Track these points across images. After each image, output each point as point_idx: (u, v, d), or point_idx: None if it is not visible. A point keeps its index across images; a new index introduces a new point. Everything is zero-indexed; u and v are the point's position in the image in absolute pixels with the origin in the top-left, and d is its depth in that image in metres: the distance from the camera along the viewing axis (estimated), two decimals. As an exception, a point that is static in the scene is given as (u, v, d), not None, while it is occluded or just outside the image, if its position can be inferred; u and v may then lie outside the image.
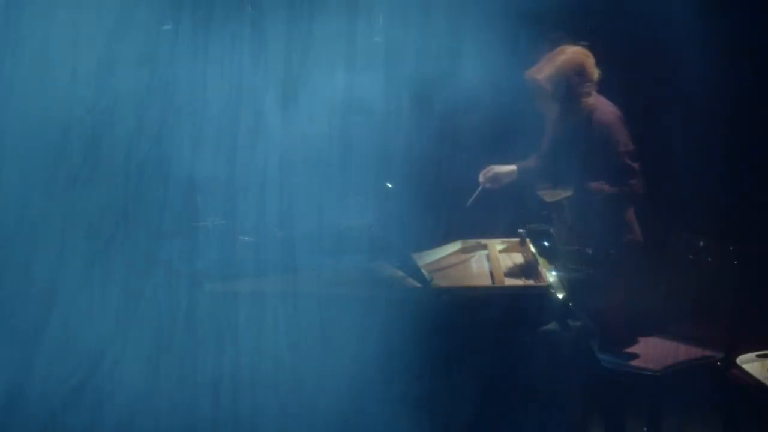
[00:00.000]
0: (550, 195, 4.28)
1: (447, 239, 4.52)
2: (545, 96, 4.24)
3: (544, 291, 3.84)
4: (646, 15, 4.82)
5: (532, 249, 4.30)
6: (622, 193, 4.17)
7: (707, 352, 4.22)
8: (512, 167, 4.51)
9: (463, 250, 4.46)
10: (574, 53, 4.23)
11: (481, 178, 4.51)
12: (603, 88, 4.33)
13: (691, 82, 4.87)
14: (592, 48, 4.29)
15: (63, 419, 3.65)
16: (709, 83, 4.83)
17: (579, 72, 4.20)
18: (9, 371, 3.60)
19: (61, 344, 3.63)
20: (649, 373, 4.09)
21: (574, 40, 4.32)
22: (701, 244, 4.35)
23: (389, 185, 4.21)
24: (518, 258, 4.33)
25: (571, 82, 4.19)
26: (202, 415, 3.77)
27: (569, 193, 4.24)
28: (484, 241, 4.50)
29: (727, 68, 4.83)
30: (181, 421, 3.70)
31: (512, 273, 4.11)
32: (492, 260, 4.23)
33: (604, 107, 4.27)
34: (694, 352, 4.23)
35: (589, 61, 4.23)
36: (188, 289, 3.71)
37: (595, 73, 4.24)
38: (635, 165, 4.19)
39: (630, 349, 4.24)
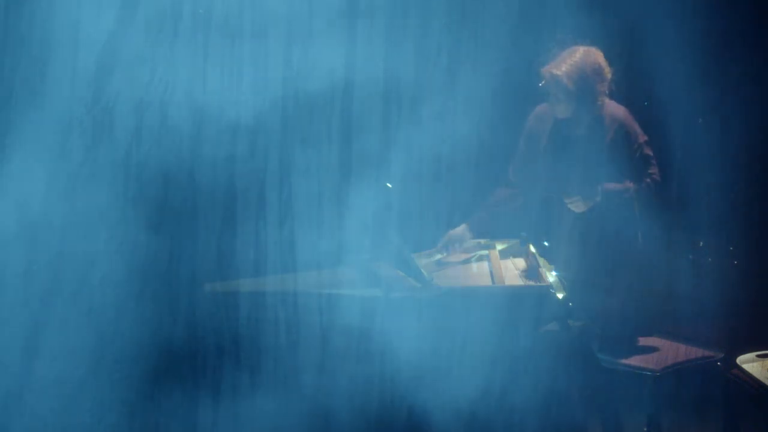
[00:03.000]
0: (580, 205, 4.25)
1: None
2: (562, 93, 4.20)
3: (544, 291, 3.84)
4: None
5: (533, 249, 4.30)
6: (647, 186, 4.18)
7: (707, 352, 4.22)
8: (462, 227, 4.45)
9: (464, 250, 4.46)
10: (589, 52, 4.24)
11: (439, 248, 4.43)
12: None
13: (691, 81, 4.87)
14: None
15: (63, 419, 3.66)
16: (710, 82, 4.83)
17: (597, 70, 4.21)
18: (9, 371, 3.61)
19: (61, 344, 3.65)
20: (649, 373, 4.09)
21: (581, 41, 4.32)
22: (701, 244, 4.35)
23: (389, 185, 4.22)
24: (519, 258, 4.33)
25: (590, 80, 4.19)
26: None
27: (598, 198, 4.21)
28: (484, 241, 4.49)
29: (727, 67, 4.83)
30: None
31: (512, 273, 4.10)
32: (492, 260, 4.23)
33: (612, 104, 4.29)
34: (694, 352, 4.23)
35: (603, 60, 4.24)
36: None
37: (609, 72, 4.25)
38: (652, 153, 4.22)
39: (630, 349, 4.24)
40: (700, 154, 4.92)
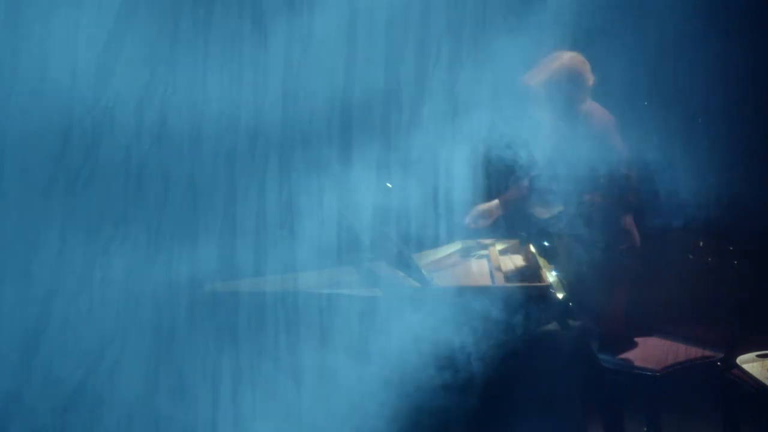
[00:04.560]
0: (542, 211, 4.26)
1: (447, 239, 4.52)
2: (539, 102, 4.19)
3: (544, 291, 3.84)
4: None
5: (533, 249, 4.30)
6: (614, 202, 4.14)
7: (707, 352, 4.22)
8: (494, 202, 4.48)
9: (464, 250, 4.46)
10: (569, 59, 4.19)
11: (467, 221, 4.47)
12: (602, 91, 4.31)
13: (691, 82, 4.87)
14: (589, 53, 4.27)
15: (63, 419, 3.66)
16: (710, 82, 4.83)
17: (574, 78, 4.17)
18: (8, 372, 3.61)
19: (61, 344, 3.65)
20: (649, 373, 4.09)
21: (570, 46, 4.29)
22: (701, 244, 4.35)
23: (389, 185, 4.21)
24: (518, 258, 4.33)
25: (566, 89, 4.15)
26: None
27: (561, 207, 4.22)
28: (484, 241, 4.50)
29: (728, 65, 4.83)
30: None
31: (512, 273, 4.11)
32: (492, 260, 4.23)
33: (597, 114, 4.24)
34: (694, 352, 4.23)
35: (585, 67, 4.20)
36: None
37: (590, 80, 4.20)
38: (628, 173, 4.16)
39: (630, 349, 4.24)
40: (699, 153, 4.92)
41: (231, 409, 3.84)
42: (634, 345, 4.28)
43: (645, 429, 4.17)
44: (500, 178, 4.56)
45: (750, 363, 3.93)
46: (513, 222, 4.49)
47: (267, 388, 3.83)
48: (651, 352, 4.23)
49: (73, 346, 3.67)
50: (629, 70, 4.73)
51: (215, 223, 3.88)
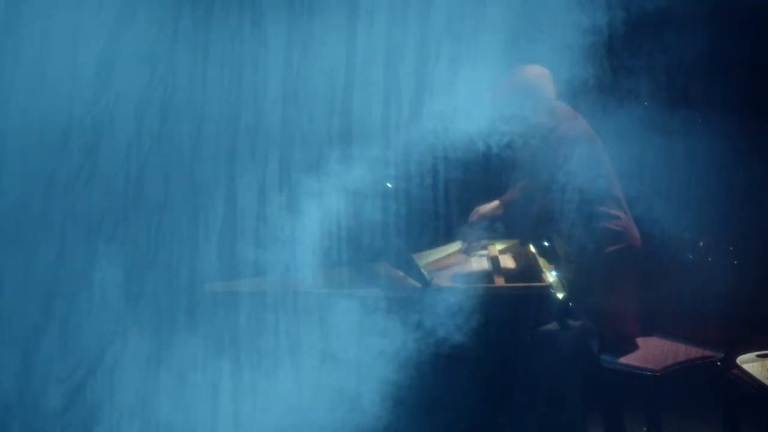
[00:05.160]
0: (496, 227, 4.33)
1: (447, 239, 4.52)
2: (503, 115, 4.14)
3: (544, 291, 3.84)
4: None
5: (532, 249, 4.30)
6: (597, 206, 4.13)
7: (707, 352, 4.22)
8: (495, 203, 4.48)
9: (464, 250, 4.46)
10: (527, 73, 4.16)
11: (469, 221, 4.45)
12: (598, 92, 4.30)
13: (690, 85, 4.87)
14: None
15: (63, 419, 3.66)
16: (709, 84, 4.83)
17: (532, 91, 4.14)
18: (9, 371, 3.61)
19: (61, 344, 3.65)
20: (649, 373, 4.09)
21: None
22: (701, 244, 4.35)
23: (389, 185, 4.21)
24: (518, 258, 4.33)
25: (524, 102, 4.13)
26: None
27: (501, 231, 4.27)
28: (484, 242, 4.50)
29: (728, 61, 4.83)
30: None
31: (512, 273, 4.11)
32: (492, 259, 4.23)
33: (567, 123, 4.20)
34: (694, 352, 4.23)
35: (544, 79, 4.16)
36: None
37: (551, 91, 4.17)
38: (598, 180, 4.13)
39: (630, 349, 4.24)
40: (699, 153, 4.92)
41: (230, 409, 3.84)
42: (634, 345, 4.28)
43: (645, 429, 4.17)
44: (496, 179, 4.58)
45: (750, 363, 3.93)
46: (512, 223, 4.49)
47: (266, 388, 3.83)
48: (651, 352, 4.23)
49: (73, 346, 3.67)
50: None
51: (215, 222, 3.88)
